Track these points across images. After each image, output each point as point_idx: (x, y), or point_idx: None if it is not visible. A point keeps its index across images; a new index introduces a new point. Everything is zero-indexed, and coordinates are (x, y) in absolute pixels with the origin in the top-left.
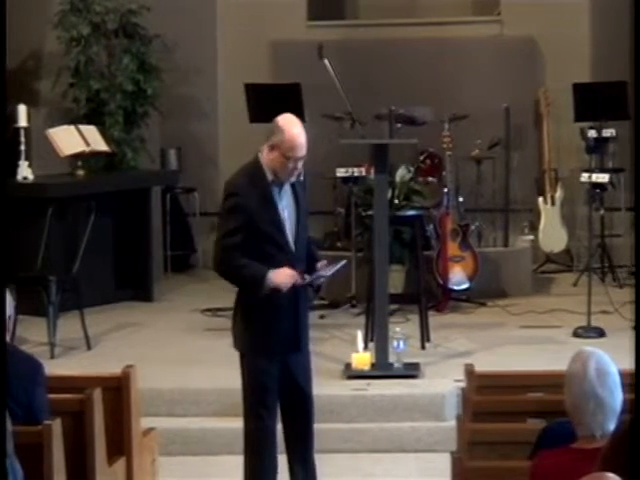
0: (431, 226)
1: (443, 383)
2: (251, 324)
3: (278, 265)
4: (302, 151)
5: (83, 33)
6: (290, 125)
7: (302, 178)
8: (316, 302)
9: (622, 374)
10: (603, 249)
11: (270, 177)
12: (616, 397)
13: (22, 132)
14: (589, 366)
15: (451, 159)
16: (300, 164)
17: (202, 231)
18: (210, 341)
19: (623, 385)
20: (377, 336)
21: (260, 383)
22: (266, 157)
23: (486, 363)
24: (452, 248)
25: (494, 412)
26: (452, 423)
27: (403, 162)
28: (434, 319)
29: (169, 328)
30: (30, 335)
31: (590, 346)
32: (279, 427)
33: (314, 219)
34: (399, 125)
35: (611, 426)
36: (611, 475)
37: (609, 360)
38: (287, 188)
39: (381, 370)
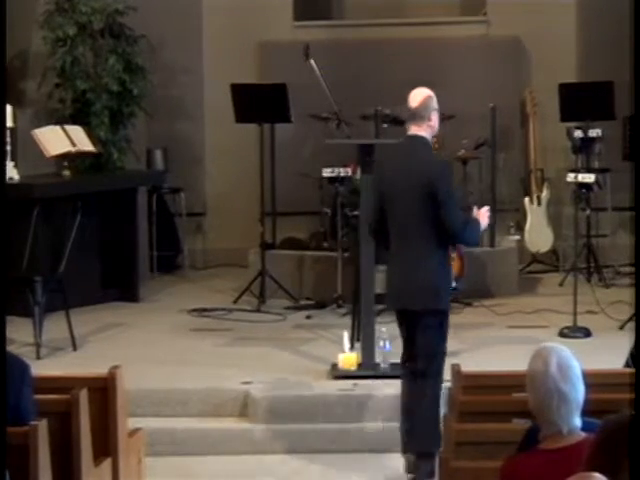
0: None
1: None
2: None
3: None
4: None
5: (69, 33)
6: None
7: None
8: (302, 302)
9: (585, 374)
10: (589, 249)
11: None
12: (579, 390)
13: (8, 132)
14: (550, 363)
15: None
16: None
17: (188, 231)
18: (196, 341)
19: (586, 381)
20: (363, 336)
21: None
22: (433, 127)
23: (472, 363)
24: None
25: (480, 412)
26: None
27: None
28: None
29: (155, 328)
30: (16, 336)
31: (576, 346)
32: None
33: (300, 219)
34: (385, 125)
35: (576, 420)
36: (597, 475)
37: (569, 354)
38: None
39: (367, 370)
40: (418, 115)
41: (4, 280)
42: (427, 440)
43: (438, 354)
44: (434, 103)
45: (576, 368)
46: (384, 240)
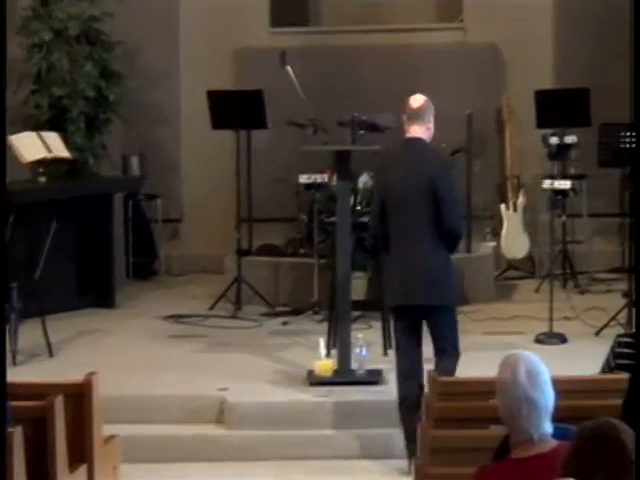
0: None
1: None
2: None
3: None
4: None
5: (45, 39)
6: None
7: None
8: (279, 309)
9: (561, 380)
10: (565, 255)
11: None
12: (548, 396)
13: None
14: (519, 371)
15: None
16: None
17: (164, 238)
18: (173, 348)
19: (560, 387)
20: (339, 343)
21: None
22: (431, 130)
23: None
24: None
25: (456, 418)
26: None
27: (366, 169)
28: None
29: (132, 335)
30: None
31: (552, 352)
32: None
33: (276, 226)
34: (362, 132)
35: (546, 426)
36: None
37: (538, 360)
38: None
39: (344, 377)
40: (419, 116)
41: (4, 281)
42: None
43: (457, 351)
44: (432, 109)
45: (545, 375)
46: (384, 243)
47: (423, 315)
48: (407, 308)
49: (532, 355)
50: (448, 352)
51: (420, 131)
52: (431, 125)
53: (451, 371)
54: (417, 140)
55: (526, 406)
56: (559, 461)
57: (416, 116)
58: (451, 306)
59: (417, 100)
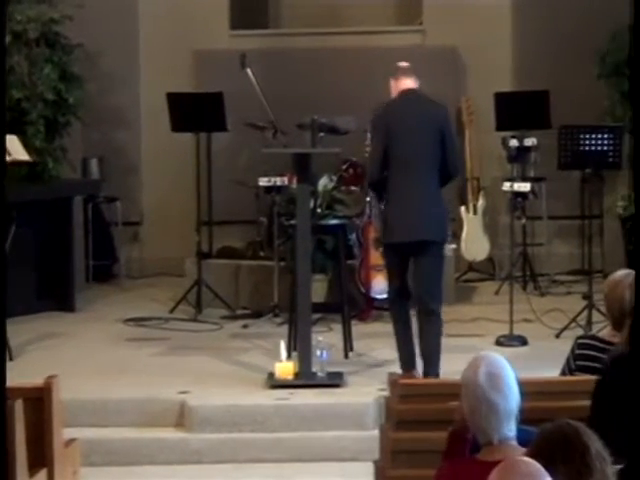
0: (354, 235)
1: (366, 392)
2: None
3: None
4: None
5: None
6: None
7: None
8: (239, 311)
9: (521, 382)
10: (525, 258)
11: None
12: (510, 399)
13: None
14: (479, 372)
15: None
16: None
17: (124, 240)
18: (133, 351)
19: (522, 389)
20: (300, 345)
21: None
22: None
23: None
24: (375, 257)
25: (417, 421)
26: (375, 432)
27: (326, 171)
28: (357, 328)
29: (91, 338)
30: None
31: (513, 355)
32: None
33: (236, 228)
34: (322, 134)
35: (507, 430)
36: (526, 459)
37: (502, 363)
38: None
39: (304, 379)
40: (410, 70)
41: (4, 281)
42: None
43: (442, 283)
44: None
45: (507, 377)
46: (381, 191)
47: (419, 251)
48: (407, 245)
49: (497, 357)
50: (435, 315)
51: (413, 84)
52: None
53: (439, 340)
54: (414, 90)
55: (485, 407)
56: None
57: (408, 71)
58: (445, 240)
59: (402, 62)
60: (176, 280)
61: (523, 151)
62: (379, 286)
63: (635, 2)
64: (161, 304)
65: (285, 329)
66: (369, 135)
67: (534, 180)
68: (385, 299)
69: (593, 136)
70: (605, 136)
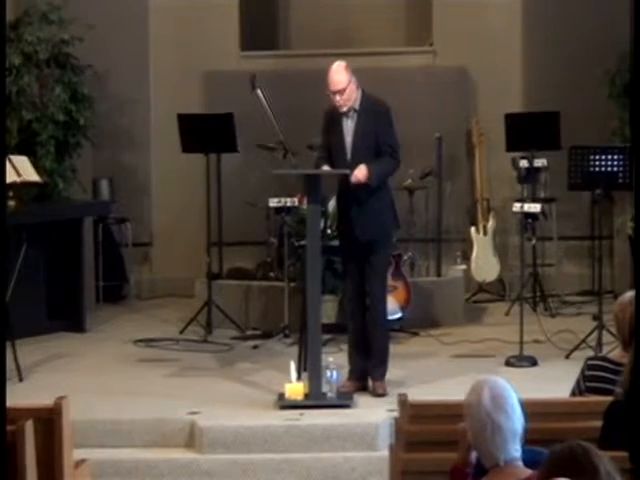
0: None
1: (376, 413)
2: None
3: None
4: (333, 86)
5: (14, 63)
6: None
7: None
8: (249, 332)
9: (531, 403)
10: (535, 278)
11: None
12: (514, 420)
13: None
14: (483, 394)
15: None
16: (338, 97)
17: (134, 261)
18: (143, 372)
19: (530, 410)
20: (310, 366)
21: None
22: (358, 86)
23: (419, 393)
24: None
25: (427, 442)
26: (385, 453)
27: (336, 192)
28: None
29: (101, 359)
30: None
31: (523, 375)
32: None
33: (247, 249)
34: None
35: (513, 450)
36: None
37: (504, 384)
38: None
39: (314, 400)
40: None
41: (4, 289)
42: (384, 352)
43: (386, 277)
44: (350, 72)
45: (510, 398)
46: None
47: (368, 252)
48: (354, 247)
49: (498, 379)
50: (376, 283)
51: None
52: (355, 85)
53: (386, 346)
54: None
55: (490, 428)
56: None
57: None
58: (390, 236)
59: (339, 82)
60: (186, 301)
61: (533, 172)
62: (389, 307)
63: (635, 2)
64: (171, 325)
65: (295, 350)
66: None
67: (544, 201)
68: (395, 320)
69: (603, 157)
70: (615, 157)
